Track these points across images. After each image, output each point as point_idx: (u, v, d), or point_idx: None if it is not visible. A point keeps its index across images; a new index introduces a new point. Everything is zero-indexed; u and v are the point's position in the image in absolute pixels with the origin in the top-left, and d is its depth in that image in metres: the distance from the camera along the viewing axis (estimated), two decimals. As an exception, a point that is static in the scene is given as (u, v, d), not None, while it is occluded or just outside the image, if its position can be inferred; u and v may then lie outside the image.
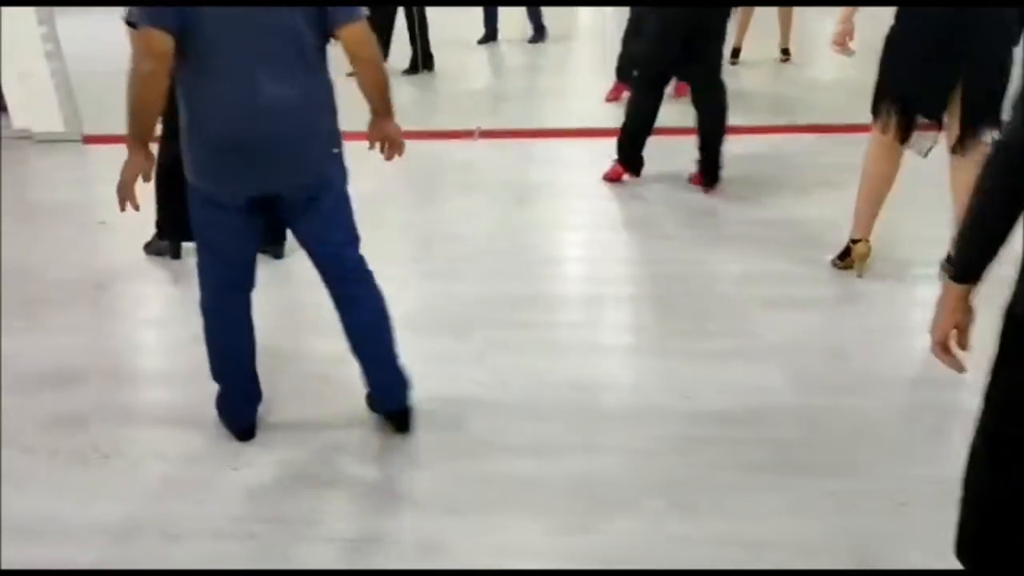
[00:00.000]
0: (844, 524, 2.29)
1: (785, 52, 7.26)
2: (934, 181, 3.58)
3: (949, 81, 3.24)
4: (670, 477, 2.48)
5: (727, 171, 4.55)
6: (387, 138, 2.50)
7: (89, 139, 5.52)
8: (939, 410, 2.76)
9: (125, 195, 2.30)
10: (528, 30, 8.43)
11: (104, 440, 2.70)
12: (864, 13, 3.53)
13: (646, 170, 4.71)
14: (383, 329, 2.60)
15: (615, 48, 6.27)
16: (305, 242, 2.54)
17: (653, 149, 4.66)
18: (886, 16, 3.33)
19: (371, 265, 2.58)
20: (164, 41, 2.17)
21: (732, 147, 4.59)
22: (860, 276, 3.58)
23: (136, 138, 2.28)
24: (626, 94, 6.04)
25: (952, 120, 3.32)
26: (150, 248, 3.96)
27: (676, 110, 5.13)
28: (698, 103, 4.50)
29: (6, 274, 3.79)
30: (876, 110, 3.44)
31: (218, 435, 2.71)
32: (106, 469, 2.58)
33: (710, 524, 2.30)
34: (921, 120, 3.38)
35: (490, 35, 8.44)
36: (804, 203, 4.38)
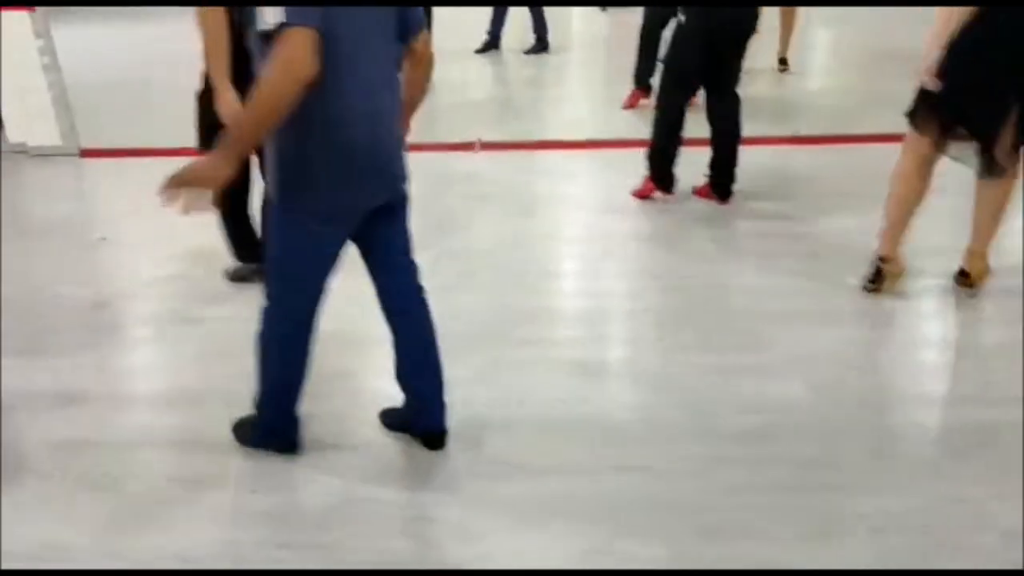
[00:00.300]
0: (872, 546, 2.24)
1: (783, 62, 7.25)
2: (942, 190, 3.55)
3: (1009, 99, 3.16)
4: (693, 499, 2.43)
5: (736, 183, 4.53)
6: None
7: (86, 152, 5.46)
8: (963, 427, 2.72)
9: (195, 198, 2.04)
10: (529, 40, 8.39)
11: (113, 464, 2.64)
12: (857, 23, 3.51)
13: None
14: (436, 346, 2.60)
15: (616, 57, 6.26)
16: (377, 254, 2.49)
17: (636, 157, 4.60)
18: (880, 24, 3.30)
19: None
20: (316, 42, 2.04)
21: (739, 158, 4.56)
22: (974, 295, 3.51)
23: (246, 151, 2.10)
24: (644, 102, 6.04)
25: (997, 138, 3.23)
26: (236, 274, 3.82)
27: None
28: (715, 114, 4.43)
29: (4, 292, 3.71)
30: (921, 122, 3.33)
31: (231, 457, 2.65)
32: (118, 495, 2.51)
33: (736, 548, 2.25)
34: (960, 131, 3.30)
35: (492, 43, 8.36)
36: (814, 215, 4.35)
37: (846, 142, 5.39)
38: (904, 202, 3.43)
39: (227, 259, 3.79)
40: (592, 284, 3.79)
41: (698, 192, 4.57)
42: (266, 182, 2.36)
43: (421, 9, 2.34)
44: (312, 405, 2.92)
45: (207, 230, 4.31)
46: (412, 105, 2.46)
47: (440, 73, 6.90)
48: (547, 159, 5.36)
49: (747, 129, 4.50)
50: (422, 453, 2.65)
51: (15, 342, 3.32)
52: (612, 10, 10.34)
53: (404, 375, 2.61)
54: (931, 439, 2.69)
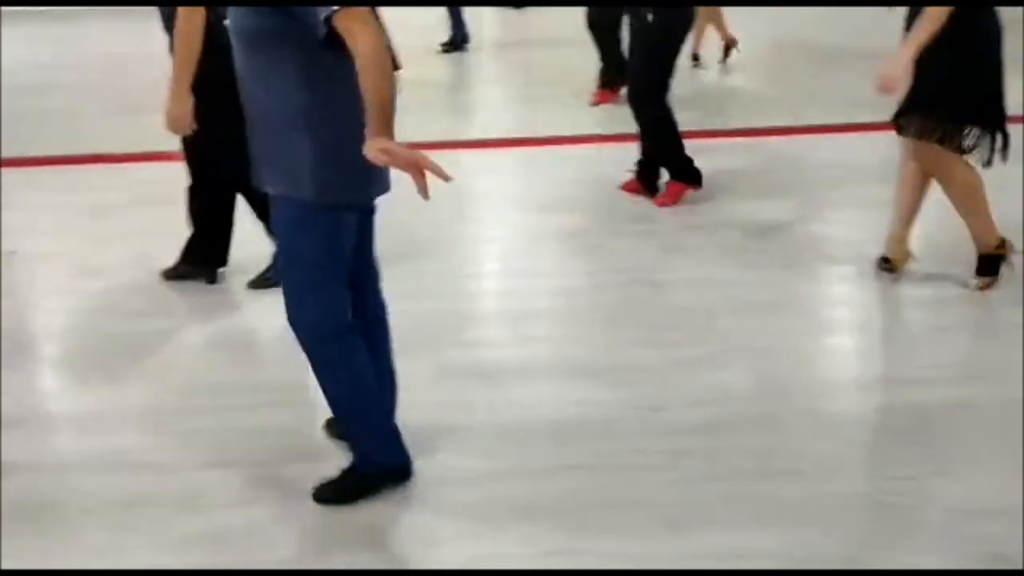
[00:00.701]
0: (832, 528, 2.29)
1: (695, 57, 7.35)
2: (879, 178, 3.66)
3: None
4: (653, 493, 2.44)
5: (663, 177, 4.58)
6: None
7: (4, 163, 5.16)
8: (907, 410, 2.80)
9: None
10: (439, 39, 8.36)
11: (47, 488, 2.49)
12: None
13: (579, 178, 4.71)
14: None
15: (537, 56, 6.26)
16: (360, 256, 2.39)
17: (585, 157, 4.65)
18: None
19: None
20: None
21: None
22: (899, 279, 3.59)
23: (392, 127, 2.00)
24: (614, 101, 6.02)
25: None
26: (174, 272, 3.73)
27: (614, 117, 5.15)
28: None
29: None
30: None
31: (168, 476, 2.54)
32: (54, 521, 2.38)
33: (701, 539, 2.26)
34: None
35: (460, 40, 8.23)
36: (745, 207, 4.43)
37: (767, 135, 5.51)
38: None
39: (147, 270, 3.68)
40: (530, 283, 3.77)
41: (626, 187, 4.60)
42: (283, 184, 2.22)
43: None
44: (259, 417, 2.84)
45: (125, 241, 4.16)
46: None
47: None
48: (481, 158, 5.29)
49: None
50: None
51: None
52: (528, 9, 10.37)
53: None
54: (873, 422, 2.77)
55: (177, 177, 3.62)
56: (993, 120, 3.29)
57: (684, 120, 4.48)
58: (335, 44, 2.01)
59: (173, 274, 3.73)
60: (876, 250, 3.66)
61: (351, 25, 1.99)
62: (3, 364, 3.12)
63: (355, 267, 2.35)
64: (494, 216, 4.55)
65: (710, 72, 7.26)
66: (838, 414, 2.80)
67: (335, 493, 2.42)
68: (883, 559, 2.18)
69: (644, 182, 4.54)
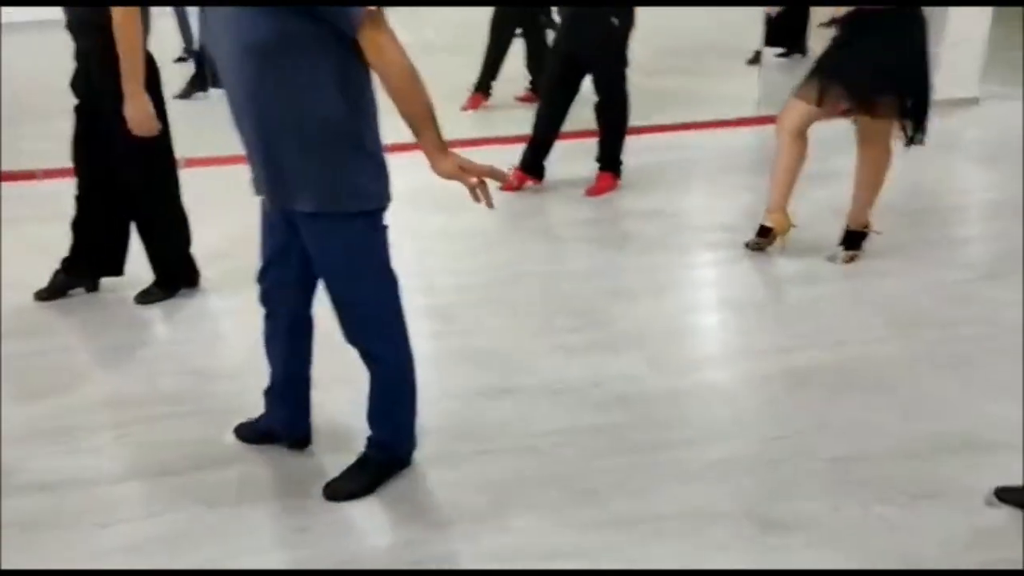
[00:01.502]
0: (731, 487, 2.47)
1: None
2: (743, 168, 3.92)
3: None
4: (565, 469, 2.56)
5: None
6: None
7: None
8: (786, 375, 3.03)
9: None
10: None
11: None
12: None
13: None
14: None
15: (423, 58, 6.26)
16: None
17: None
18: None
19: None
20: None
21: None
22: (783, 249, 3.90)
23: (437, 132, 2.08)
24: (485, 105, 6.23)
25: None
26: (49, 292, 3.62)
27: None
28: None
29: None
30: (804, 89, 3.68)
31: (68, 491, 2.50)
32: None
33: (614, 507, 2.40)
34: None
35: None
36: (627, 199, 4.66)
37: (647, 132, 5.74)
38: (787, 167, 3.78)
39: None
40: (429, 280, 3.85)
41: (514, 176, 4.73)
42: (320, 200, 2.14)
43: None
44: (164, 428, 2.81)
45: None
46: None
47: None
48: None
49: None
50: (292, 461, 2.61)
51: None
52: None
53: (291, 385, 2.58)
54: (755, 388, 2.98)
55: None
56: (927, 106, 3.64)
57: (573, 117, 4.69)
58: (357, 48, 1.98)
59: (48, 292, 3.64)
60: (749, 233, 3.93)
61: (378, 37, 1.96)
62: None
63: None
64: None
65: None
66: (724, 384, 3.01)
67: (346, 485, 2.47)
68: (777, 508, 2.37)
69: (530, 170, 4.75)
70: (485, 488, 2.49)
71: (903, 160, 3.86)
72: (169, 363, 3.22)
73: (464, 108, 6.31)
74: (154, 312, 3.58)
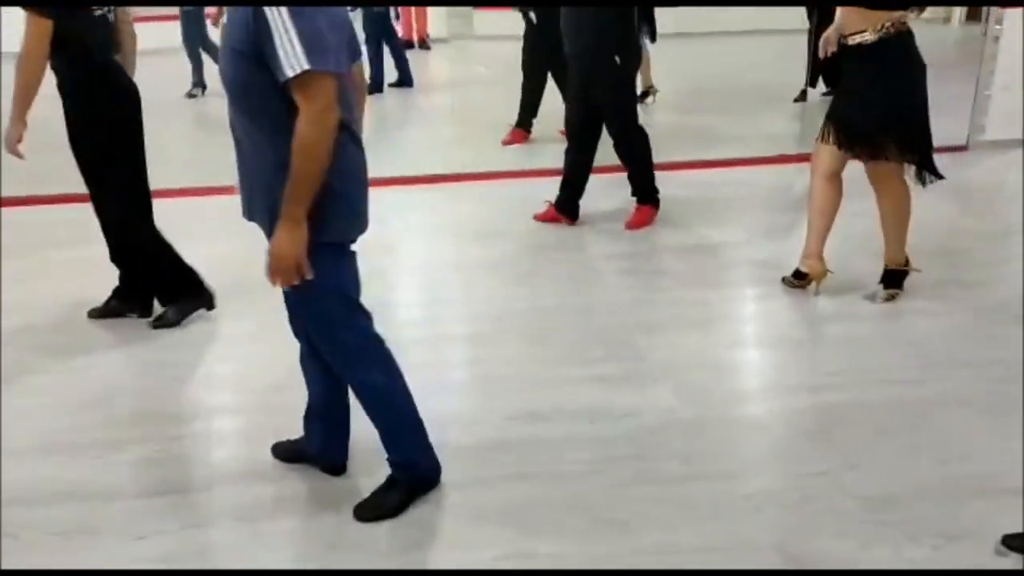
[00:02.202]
0: (761, 522, 2.46)
1: (648, 92, 7.52)
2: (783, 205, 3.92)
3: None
4: (591, 497, 2.57)
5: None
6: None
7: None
8: (818, 412, 3.02)
9: (302, 273, 2.17)
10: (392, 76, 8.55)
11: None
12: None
13: (505, 210, 4.88)
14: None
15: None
16: None
17: (511, 190, 4.80)
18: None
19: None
20: (338, 86, 2.09)
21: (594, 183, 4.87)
22: (817, 295, 3.85)
23: (306, 208, 2.11)
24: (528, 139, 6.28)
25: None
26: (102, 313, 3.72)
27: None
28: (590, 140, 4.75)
29: None
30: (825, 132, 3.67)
31: (103, 502, 2.56)
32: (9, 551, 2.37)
33: (640, 536, 2.41)
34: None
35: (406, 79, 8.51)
36: (661, 233, 4.68)
37: (681, 168, 5.78)
38: (821, 209, 3.75)
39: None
40: (462, 309, 3.90)
41: (541, 217, 4.79)
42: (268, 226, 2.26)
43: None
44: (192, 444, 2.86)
45: (37, 283, 4.13)
46: None
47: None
48: (401, 195, 5.39)
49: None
50: (325, 480, 2.66)
51: None
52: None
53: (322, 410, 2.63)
54: (788, 424, 2.97)
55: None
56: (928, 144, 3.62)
57: (609, 152, 4.75)
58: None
59: (100, 313, 3.73)
60: (787, 270, 3.93)
61: (299, 99, 2.03)
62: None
63: None
64: (422, 247, 4.65)
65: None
66: (757, 419, 3.00)
67: (368, 510, 2.51)
68: (807, 546, 2.36)
69: (564, 210, 4.78)
70: (513, 513, 2.51)
71: (941, 200, 3.84)
72: (206, 380, 3.30)
73: (505, 142, 6.37)
74: (191, 332, 3.66)
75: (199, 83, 8.39)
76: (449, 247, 4.62)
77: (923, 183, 3.64)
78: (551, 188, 4.84)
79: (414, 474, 2.56)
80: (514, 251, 4.51)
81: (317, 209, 2.14)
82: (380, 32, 8.32)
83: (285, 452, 2.75)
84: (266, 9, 1.99)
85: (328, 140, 2.07)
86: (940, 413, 2.98)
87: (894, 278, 3.83)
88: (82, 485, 2.65)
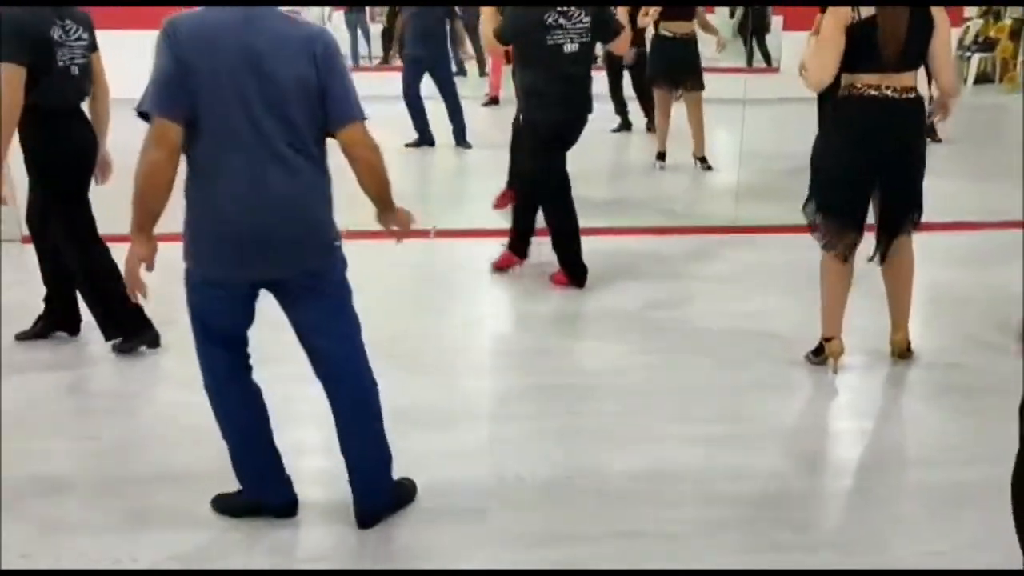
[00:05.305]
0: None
1: (703, 160, 7.48)
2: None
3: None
4: (699, 561, 2.52)
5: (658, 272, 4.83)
6: (398, 226, 2.65)
7: (28, 240, 5.30)
8: (934, 488, 2.90)
9: (133, 285, 2.38)
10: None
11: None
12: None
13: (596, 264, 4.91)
14: (370, 416, 2.63)
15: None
16: (303, 334, 2.56)
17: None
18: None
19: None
20: (172, 132, 2.26)
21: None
22: (835, 372, 3.65)
23: (138, 228, 2.34)
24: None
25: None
26: (126, 346, 3.84)
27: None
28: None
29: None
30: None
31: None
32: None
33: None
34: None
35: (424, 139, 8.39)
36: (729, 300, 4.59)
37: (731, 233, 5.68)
38: (833, 289, 3.60)
39: None
40: (563, 361, 3.91)
41: (556, 279, 4.69)
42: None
43: (352, 100, 2.40)
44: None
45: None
46: (369, 195, 2.52)
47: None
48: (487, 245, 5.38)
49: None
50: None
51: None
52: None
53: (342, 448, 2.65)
54: (908, 498, 2.86)
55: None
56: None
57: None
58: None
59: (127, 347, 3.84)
60: (879, 340, 3.79)
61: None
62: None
63: (311, 342, 2.56)
64: (513, 300, 4.68)
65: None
66: (875, 491, 2.90)
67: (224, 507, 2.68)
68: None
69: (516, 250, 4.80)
70: (610, 568, 2.48)
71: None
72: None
73: (495, 206, 6.11)
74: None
75: None
76: (562, 297, 4.63)
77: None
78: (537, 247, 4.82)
79: (244, 489, 2.65)
80: (617, 303, 4.47)
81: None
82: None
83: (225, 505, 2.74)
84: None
85: (141, 170, 2.28)
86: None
87: (819, 349, 3.68)
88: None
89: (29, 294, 4.17)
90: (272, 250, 2.38)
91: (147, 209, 2.31)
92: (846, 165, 3.42)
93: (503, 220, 5.29)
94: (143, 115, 2.28)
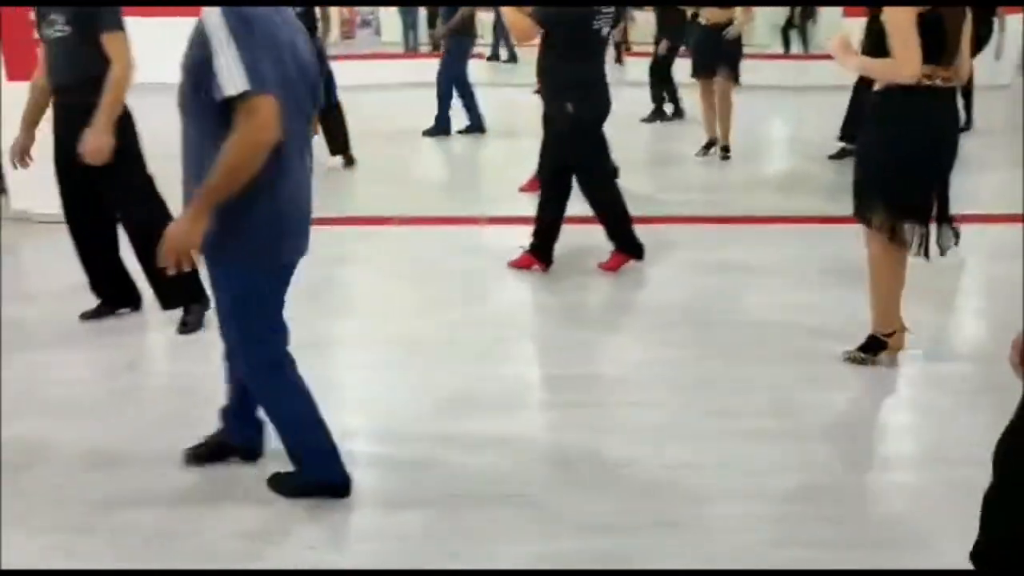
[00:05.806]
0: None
1: (725, 149, 7.45)
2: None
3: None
4: (742, 554, 2.53)
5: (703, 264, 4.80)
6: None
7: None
8: (981, 487, 2.86)
9: (187, 260, 2.38)
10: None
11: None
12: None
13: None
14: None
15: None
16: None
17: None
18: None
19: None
20: (279, 108, 2.32)
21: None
22: (896, 365, 3.62)
23: (215, 205, 2.36)
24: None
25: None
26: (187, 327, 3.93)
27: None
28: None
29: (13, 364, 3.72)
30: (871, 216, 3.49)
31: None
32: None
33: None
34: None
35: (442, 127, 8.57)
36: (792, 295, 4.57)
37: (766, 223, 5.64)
38: (896, 282, 3.55)
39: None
40: (614, 354, 3.94)
41: (604, 265, 4.70)
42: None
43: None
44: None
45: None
46: None
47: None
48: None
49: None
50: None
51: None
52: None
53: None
54: (957, 497, 2.83)
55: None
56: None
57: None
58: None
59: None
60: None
61: (238, 113, 2.28)
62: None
63: None
64: (564, 290, 4.69)
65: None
66: (924, 489, 2.89)
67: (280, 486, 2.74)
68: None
69: (538, 255, 4.72)
70: (650, 559, 2.51)
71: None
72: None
73: (522, 188, 6.18)
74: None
75: None
76: (605, 290, 4.66)
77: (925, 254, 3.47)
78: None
79: (306, 471, 2.71)
80: (665, 296, 4.50)
81: (254, 229, 2.42)
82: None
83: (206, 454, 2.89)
84: (209, 27, 2.26)
85: (260, 151, 2.30)
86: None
87: (870, 345, 3.60)
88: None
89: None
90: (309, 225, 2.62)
91: (237, 187, 2.33)
92: (924, 157, 3.40)
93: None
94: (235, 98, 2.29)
